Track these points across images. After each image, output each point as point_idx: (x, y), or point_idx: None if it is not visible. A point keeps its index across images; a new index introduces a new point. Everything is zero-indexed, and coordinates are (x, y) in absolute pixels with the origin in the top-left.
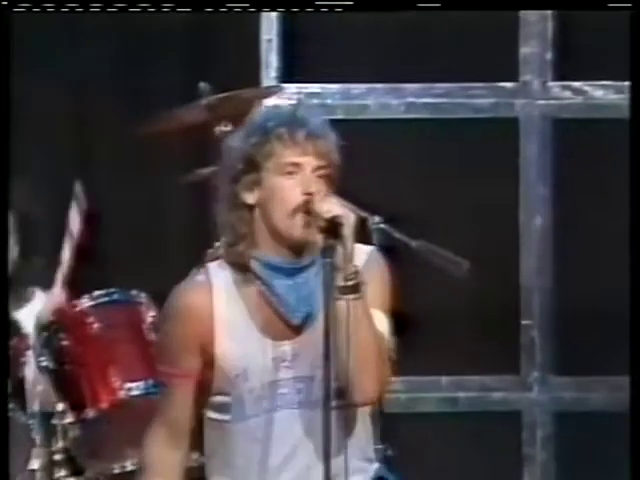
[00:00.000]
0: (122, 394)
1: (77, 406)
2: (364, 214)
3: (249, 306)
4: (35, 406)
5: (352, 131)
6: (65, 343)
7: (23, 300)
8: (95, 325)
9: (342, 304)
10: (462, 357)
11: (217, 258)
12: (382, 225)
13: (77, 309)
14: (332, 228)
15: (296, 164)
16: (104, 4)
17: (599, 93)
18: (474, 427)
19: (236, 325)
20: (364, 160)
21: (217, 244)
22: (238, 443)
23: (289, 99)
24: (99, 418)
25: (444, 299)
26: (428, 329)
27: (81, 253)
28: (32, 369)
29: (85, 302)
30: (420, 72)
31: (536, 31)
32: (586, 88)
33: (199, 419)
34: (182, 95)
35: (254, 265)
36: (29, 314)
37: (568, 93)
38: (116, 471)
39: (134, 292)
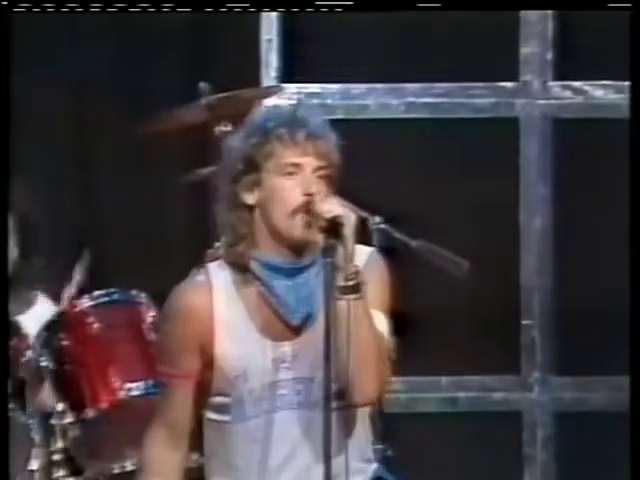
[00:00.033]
0: (122, 394)
1: (77, 406)
2: (364, 214)
3: (249, 307)
4: (35, 406)
5: (352, 131)
6: (65, 343)
7: (25, 303)
8: (95, 325)
9: (342, 304)
10: (462, 357)
11: (217, 258)
12: (382, 225)
13: (77, 309)
14: (333, 228)
15: (296, 164)
16: (104, 4)
17: (599, 93)
18: (474, 427)
19: (236, 326)
20: (364, 160)
21: (217, 244)
22: (238, 444)
23: (289, 99)
24: (99, 418)
25: (444, 299)
26: (428, 329)
27: None
28: (32, 369)
29: (85, 302)
30: (420, 72)
31: (536, 31)
32: (586, 88)
33: (199, 420)
34: (182, 95)
35: (254, 265)
36: (31, 317)
37: (568, 93)
38: (116, 471)
39: (134, 292)
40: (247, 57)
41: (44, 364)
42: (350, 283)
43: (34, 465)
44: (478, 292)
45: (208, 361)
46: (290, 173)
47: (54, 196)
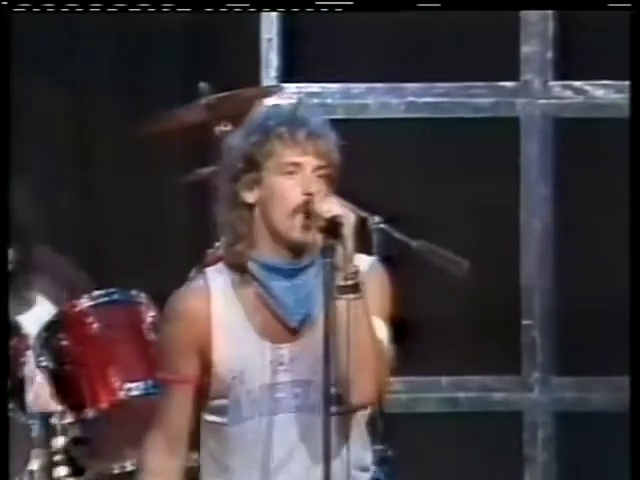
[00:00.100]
0: (122, 394)
1: (77, 406)
2: (364, 214)
3: (247, 308)
4: (35, 406)
5: (352, 131)
6: (65, 343)
7: (25, 303)
8: (95, 325)
9: (342, 304)
10: (463, 357)
11: (217, 258)
12: (382, 225)
13: (77, 309)
14: (332, 228)
15: (296, 164)
16: (104, 4)
17: (600, 93)
18: (475, 427)
19: (233, 327)
20: (364, 160)
21: (217, 244)
22: (234, 446)
23: (289, 99)
24: (99, 418)
25: (445, 299)
26: (428, 329)
27: None
28: (32, 369)
29: (85, 302)
30: (420, 72)
31: (537, 30)
32: (587, 87)
33: (199, 421)
34: (182, 95)
35: (252, 266)
36: (31, 318)
37: (569, 92)
38: (116, 471)
39: (134, 292)
40: (247, 57)
41: (44, 364)
42: (349, 283)
43: (34, 465)
44: (478, 292)
45: (206, 364)
46: (290, 172)
47: (54, 196)
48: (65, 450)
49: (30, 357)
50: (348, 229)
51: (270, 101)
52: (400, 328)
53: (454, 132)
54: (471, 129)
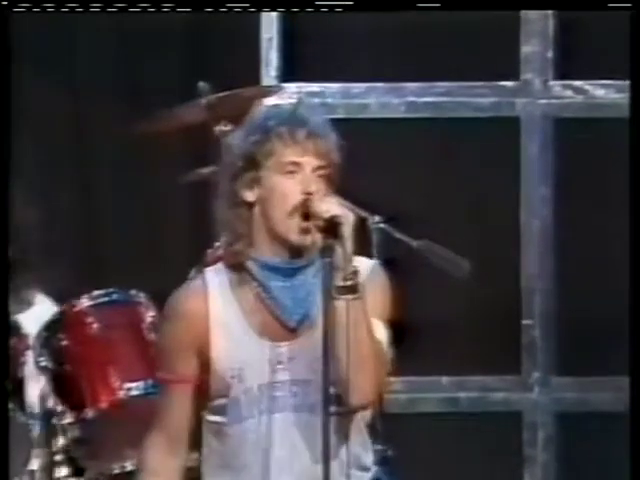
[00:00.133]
0: (121, 394)
1: (77, 406)
2: (364, 214)
3: (245, 308)
4: (35, 406)
5: (352, 130)
6: (64, 343)
7: (24, 303)
8: (94, 325)
9: (341, 304)
10: (463, 357)
11: (217, 258)
12: (382, 225)
13: (76, 309)
14: (331, 228)
15: (296, 163)
16: (104, 4)
17: (600, 92)
18: (475, 427)
19: (232, 327)
20: (364, 160)
21: (217, 244)
22: (234, 445)
23: (289, 98)
24: (99, 418)
25: (445, 299)
26: (429, 329)
27: None
28: (31, 369)
29: (84, 302)
30: (420, 71)
31: (537, 30)
32: (587, 87)
33: (199, 421)
34: (182, 94)
35: (251, 266)
36: (31, 317)
37: (569, 92)
38: (116, 471)
39: (133, 292)
40: (247, 56)
41: (43, 364)
42: (348, 283)
43: (34, 465)
44: (478, 292)
45: (206, 364)
46: (290, 172)
47: (54, 196)
48: (65, 450)
49: (30, 357)
50: (347, 229)
51: (270, 101)
52: (400, 329)
53: (454, 132)
54: (471, 129)
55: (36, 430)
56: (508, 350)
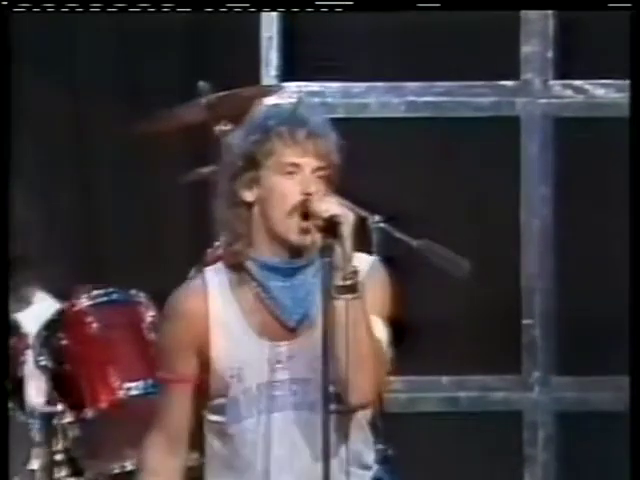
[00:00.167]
0: (121, 394)
1: (76, 406)
2: (364, 213)
3: (245, 307)
4: (35, 406)
5: (352, 130)
6: (64, 343)
7: (24, 302)
8: (94, 325)
9: (340, 304)
10: (463, 357)
11: (216, 258)
12: (382, 225)
13: (76, 309)
14: (331, 227)
15: (296, 165)
16: (104, 4)
17: (600, 92)
18: (475, 427)
19: (231, 326)
20: (364, 159)
21: (217, 244)
22: (234, 444)
23: (289, 98)
24: (98, 418)
25: (445, 299)
26: (429, 329)
27: None
28: (31, 368)
29: (84, 302)
30: (420, 71)
31: (537, 29)
32: (587, 87)
33: (200, 421)
34: (182, 94)
35: (250, 266)
36: (31, 317)
37: (569, 92)
38: (116, 471)
39: (133, 292)
40: (247, 55)
41: (43, 364)
42: (348, 283)
43: (34, 465)
44: (478, 292)
45: (205, 363)
46: (289, 172)
47: (54, 196)
48: (65, 450)
49: (29, 356)
50: (347, 229)
51: (270, 100)
52: (400, 328)
53: (454, 131)
54: (471, 128)
55: (36, 430)
56: (508, 350)
